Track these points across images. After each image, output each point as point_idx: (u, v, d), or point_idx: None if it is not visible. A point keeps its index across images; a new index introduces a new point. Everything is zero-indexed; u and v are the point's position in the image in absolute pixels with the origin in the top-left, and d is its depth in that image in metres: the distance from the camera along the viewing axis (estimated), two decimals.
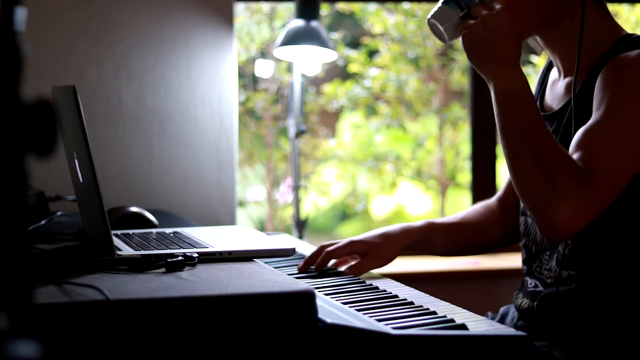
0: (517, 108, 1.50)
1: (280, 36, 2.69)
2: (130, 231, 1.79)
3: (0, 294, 0.71)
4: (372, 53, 3.48)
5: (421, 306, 1.41)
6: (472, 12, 1.57)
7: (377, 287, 1.56)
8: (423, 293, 1.52)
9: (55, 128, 0.73)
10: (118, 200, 2.53)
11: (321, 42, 2.63)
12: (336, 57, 2.83)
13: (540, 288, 1.65)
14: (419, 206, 3.66)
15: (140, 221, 1.98)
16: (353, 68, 3.45)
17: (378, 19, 3.46)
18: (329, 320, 1.22)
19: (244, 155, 3.38)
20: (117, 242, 1.61)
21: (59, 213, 2.05)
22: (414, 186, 3.62)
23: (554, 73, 1.72)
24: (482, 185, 3.03)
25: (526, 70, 3.31)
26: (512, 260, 2.88)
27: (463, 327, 1.29)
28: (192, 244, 1.61)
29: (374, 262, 1.73)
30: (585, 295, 1.57)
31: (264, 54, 3.33)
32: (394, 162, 3.52)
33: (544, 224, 1.45)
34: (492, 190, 3.02)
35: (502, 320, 1.76)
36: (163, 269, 1.41)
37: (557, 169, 1.44)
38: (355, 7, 3.43)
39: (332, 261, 1.75)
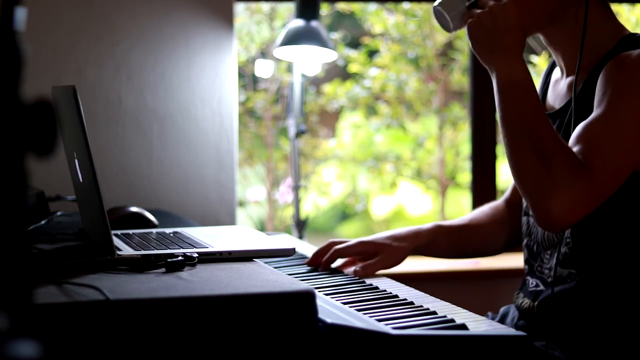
0: (520, 98, 1.51)
1: (280, 36, 2.68)
2: (130, 231, 1.79)
3: (0, 294, 0.71)
4: (372, 53, 3.48)
5: (421, 306, 1.41)
6: (479, 3, 1.58)
7: (377, 287, 1.56)
8: (423, 293, 1.52)
9: (55, 128, 0.73)
10: (118, 200, 2.53)
11: (321, 42, 2.63)
12: (336, 57, 2.83)
13: (542, 287, 1.65)
14: (419, 206, 3.66)
15: (140, 221, 1.98)
16: (353, 68, 3.45)
17: (378, 19, 3.46)
18: (329, 320, 1.22)
19: (244, 155, 3.38)
20: (117, 242, 1.61)
21: (59, 213, 2.05)
22: (414, 186, 3.62)
23: (556, 73, 1.73)
24: (482, 185, 3.02)
25: None
26: (513, 260, 2.88)
27: (463, 327, 1.29)
28: (192, 244, 1.61)
29: (385, 263, 1.74)
30: (585, 294, 1.58)
31: (264, 54, 3.33)
32: (394, 162, 3.52)
33: (540, 213, 1.45)
34: (492, 190, 3.02)
35: (502, 320, 1.77)
36: (163, 269, 1.41)
37: (556, 159, 1.44)
38: (355, 7, 3.43)
39: (339, 261, 1.75)
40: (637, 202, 1.54)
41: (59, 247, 1.62)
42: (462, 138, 3.50)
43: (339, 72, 3.49)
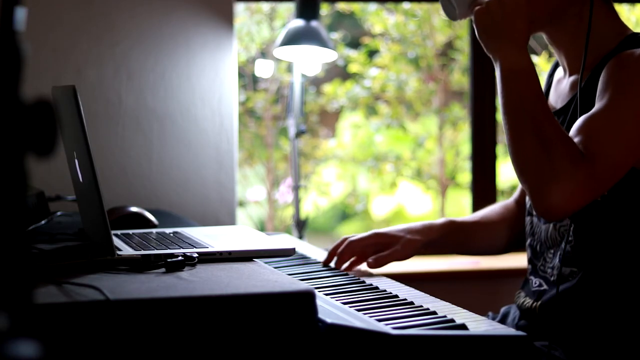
0: (523, 86, 1.51)
1: (280, 36, 2.68)
2: (130, 231, 1.79)
3: (0, 294, 0.71)
4: (372, 53, 3.48)
5: (421, 306, 1.41)
6: None
7: (377, 287, 1.56)
8: (423, 293, 1.52)
9: (55, 128, 0.73)
10: (118, 200, 2.53)
11: (321, 42, 2.63)
12: (336, 57, 2.83)
13: (545, 287, 1.65)
14: (419, 206, 3.66)
15: (140, 221, 1.98)
16: (353, 68, 3.45)
17: (378, 19, 3.46)
18: (329, 320, 1.22)
19: (244, 155, 3.38)
20: (117, 242, 1.61)
21: (59, 213, 2.05)
22: (414, 186, 3.62)
23: (558, 73, 1.74)
24: (482, 185, 3.02)
25: None
26: (513, 260, 2.88)
27: (463, 327, 1.29)
28: (192, 244, 1.61)
29: (398, 254, 1.77)
30: (586, 292, 1.58)
31: (264, 54, 3.33)
32: (394, 162, 3.52)
33: (539, 201, 1.46)
34: (492, 190, 3.02)
35: (503, 320, 1.77)
36: (163, 269, 1.41)
37: (557, 148, 1.44)
38: (355, 7, 3.43)
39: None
40: (637, 200, 1.54)
41: (59, 247, 1.62)
42: (462, 138, 3.50)
43: (339, 72, 3.49)
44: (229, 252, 1.54)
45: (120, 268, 1.42)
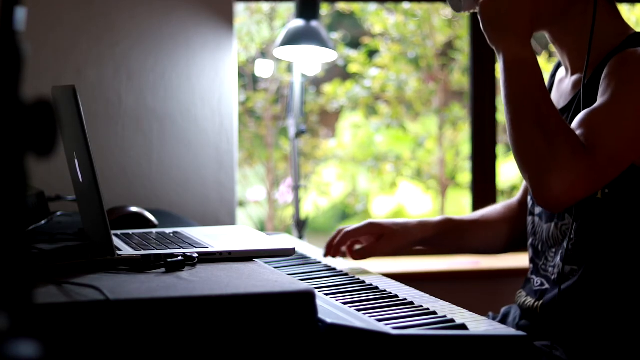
0: (526, 76, 1.51)
1: (280, 36, 2.68)
2: (130, 231, 1.79)
3: (0, 294, 0.71)
4: (372, 53, 3.48)
5: (421, 306, 1.41)
6: None
7: (377, 287, 1.56)
8: (423, 293, 1.52)
9: (55, 128, 0.73)
10: (118, 200, 2.53)
11: (321, 42, 2.63)
12: (336, 57, 2.83)
13: (547, 286, 1.66)
14: (419, 206, 3.66)
15: (140, 221, 1.98)
16: (353, 68, 3.45)
17: (378, 19, 3.46)
18: (329, 320, 1.22)
19: (244, 155, 3.38)
20: (117, 242, 1.61)
21: (59, 213, 2.05)
22: (414, 186, 3.62)
23: (560, 73, 1.75)
24: (482, 185, 3.02)
25: None
26: (513, 261, 2.88)
27: (463, 327, 1.29)
28: (192, 244, 1.61)
29: (384, 247, 1.80)
30: (587, 290, 1.58)
31: (264, 54, 3.33)
32: (394, 162, 3.52)
33: (539, 190, 1.46)
34: (492, 190, 3.02)
35: (503, 320, 1.77)
36: (163, 269, 1.41)
37: (559, 138, 1.45)
38: (355, 7, 3.43)
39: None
40: (638, 197, 1.55)
41: (59, 247, 1.62)
42: (462, 138, 3.50)
43: (339, 72, 3.49)
44: (229, 252, 1.54)
45: (120, 268, 1.42)
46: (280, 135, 3.41)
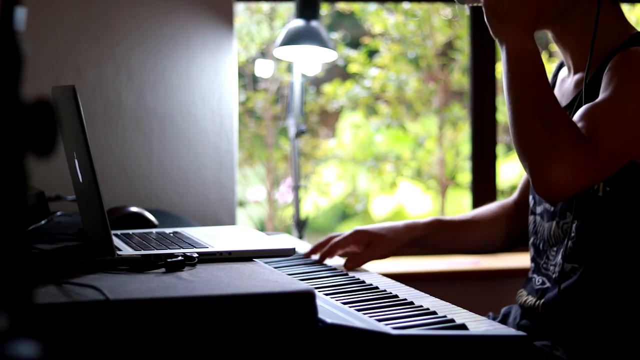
0: (529, 68, 1.52)
1: (280, 36, 2.68)
2: (130, 231, 1.79)
3: (0, 294, 0.71)
4: (372, 53, 3.48)
5: (421, 306, 1.41)
6: None
7: (377, 287, 1.56)
8: (423, 293, 1.52)
9: (55, 128, 0.73)
10: (118, 200, 2.53)
11: (321, 42, 2.63)
12: (336, 57, 2.83)
13: (548, 285, 1.66)
14: (419, 206, 3.66)
15: (140, 221, 1.98)
16: (353, 68, 3.45)
17: (378, 19, 3.46)
18: (329, 320, 1.22)
19: (244, 155, 3.38)
20: (117, 242, 1.61)
21: (59, 213, 2.05)
22: (414, 186, 3.62)
23: (562, 73, 1.76)
24: (482, 185, 3.02)
25: None
26: (513, 260, 2.88)
27: (463, 327, 1.29)
28: (192, 244, 1.61)
29: (375, 253, 1.80)
30: (587, 288, 1.58)
31: (264, 54, 3.33)
32: (394, 162, 3.52)
33: (539, 180, 1.46)
34: (492, 190, 3.02)
35: (504, 320, 1.77)
36: (163, 269, 1.41)
37: (561, 129, 1.45)
38: (355, 7, 3.43)
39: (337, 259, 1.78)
40: (638, 195, 1.55)
41: (59, 247, 1.62)
42: (462, 138, 3.50)
43: (339, 72, 3.49)
44: (229, 252, 1.54)
45: (120, 268, 1.42)
46: (280, 135, 3.41)
